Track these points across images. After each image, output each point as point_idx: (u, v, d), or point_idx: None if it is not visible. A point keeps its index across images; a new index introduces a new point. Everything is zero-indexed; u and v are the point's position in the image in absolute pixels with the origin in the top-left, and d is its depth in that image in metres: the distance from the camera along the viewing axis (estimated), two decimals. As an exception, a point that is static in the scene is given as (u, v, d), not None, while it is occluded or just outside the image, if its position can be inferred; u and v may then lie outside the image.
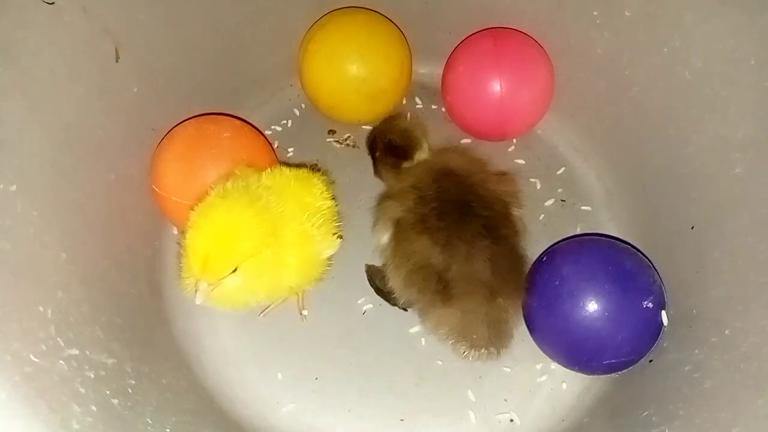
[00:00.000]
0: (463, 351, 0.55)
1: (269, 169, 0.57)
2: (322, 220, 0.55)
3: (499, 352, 0.55)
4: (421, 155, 0.63)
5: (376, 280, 0.63)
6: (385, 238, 0.58)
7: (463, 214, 0.55)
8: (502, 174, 0.63)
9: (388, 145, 0.64)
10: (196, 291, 0.50)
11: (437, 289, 0.54)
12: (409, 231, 0.55)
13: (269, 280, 0.52)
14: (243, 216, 0.50)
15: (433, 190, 0.57)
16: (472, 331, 0.54)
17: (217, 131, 0.61)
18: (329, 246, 0.56)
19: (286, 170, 0.57)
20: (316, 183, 0.58)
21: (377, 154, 0.65)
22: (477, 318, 0.53)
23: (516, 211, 0.59)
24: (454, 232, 0.54)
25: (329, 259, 0.57)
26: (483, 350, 0.54)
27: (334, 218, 0.57)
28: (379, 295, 0.62)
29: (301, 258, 0.54)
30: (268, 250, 0.50)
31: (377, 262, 0.62)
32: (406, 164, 0.63)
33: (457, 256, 0.54)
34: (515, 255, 0.57)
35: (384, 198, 0.61)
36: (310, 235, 0.54)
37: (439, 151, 0.64)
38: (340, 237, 0.57)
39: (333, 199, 0.59)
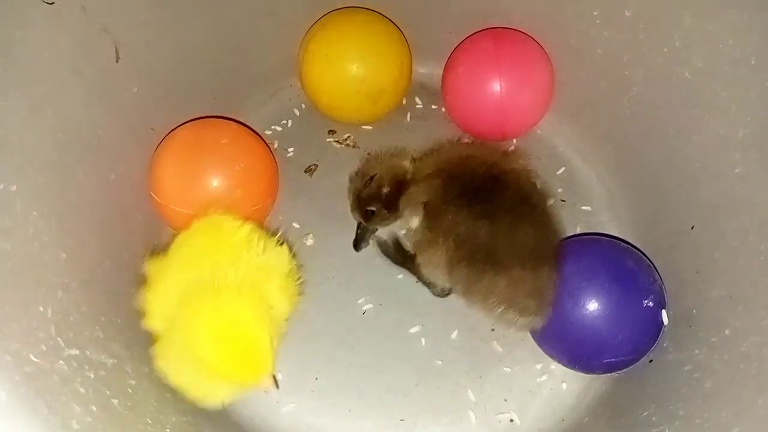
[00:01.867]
0: (512, 319, 0.54)
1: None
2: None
3: (541, 321, 0.54)
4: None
5: (389, 252, 0.63)
6: (415, 221, 0.57)
7: (495, 188, 0.55)
8: (514, 153, 0.63)
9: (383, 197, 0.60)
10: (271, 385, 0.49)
11: (485, 259, 0.53)
12: (444, 209, 0.55)
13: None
14: (250, 315, 0.49)
15: (457, 170, 0.56)
16: (521, 299, 0.53)
17: (214, 137, 0.60)
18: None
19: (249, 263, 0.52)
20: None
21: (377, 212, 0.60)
22: (525, 286, 0.53)
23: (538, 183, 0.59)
24: (494, 203, 0.54)
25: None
26: (531, 317, 0.54)
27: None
28: (402, 266, 0.62)
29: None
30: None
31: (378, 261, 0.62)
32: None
33: (500, 225, 0.53)
34: (552, 223, 0.57)
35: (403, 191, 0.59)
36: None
37: (443, 145, 0.63)
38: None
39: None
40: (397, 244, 0.64)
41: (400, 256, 0.64)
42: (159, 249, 0.54)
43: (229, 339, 0.47)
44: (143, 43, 0.60)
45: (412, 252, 0.60)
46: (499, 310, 0.54)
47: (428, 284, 0.62)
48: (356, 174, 0.61)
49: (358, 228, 0.63)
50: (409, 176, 0.59)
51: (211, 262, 0.50)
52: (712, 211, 0.55)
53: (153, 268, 0.52)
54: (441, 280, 0.59)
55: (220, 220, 0.54)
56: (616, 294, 0.52)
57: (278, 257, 0.54)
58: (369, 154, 0.63)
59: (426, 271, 0.59)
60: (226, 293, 0.48)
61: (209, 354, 0.47)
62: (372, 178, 0.59)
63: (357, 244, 0.63)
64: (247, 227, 0.54)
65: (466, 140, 0.72)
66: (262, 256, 0.52)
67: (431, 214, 0.56)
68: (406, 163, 0.60)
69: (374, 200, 0.59)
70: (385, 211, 0.59)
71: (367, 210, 0.60)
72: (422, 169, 0.59)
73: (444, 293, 0.62)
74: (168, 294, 0.50)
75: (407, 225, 0.59)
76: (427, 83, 0.77)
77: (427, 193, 0.56)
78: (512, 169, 0.57)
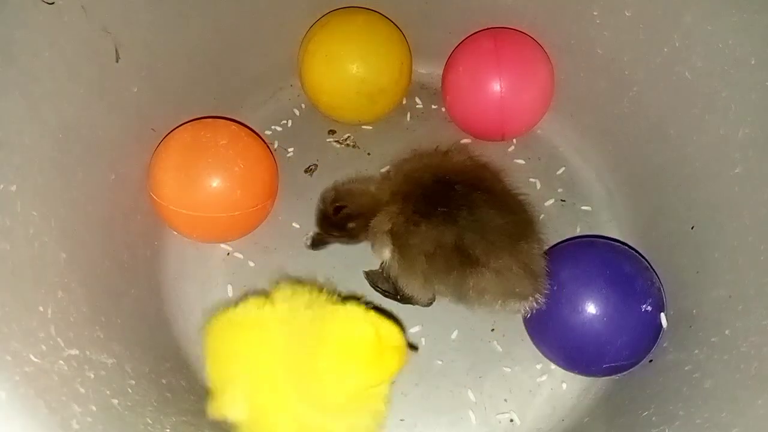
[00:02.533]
0: (516, 307, 0.54)
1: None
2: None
3: (543, 294, 0.54)
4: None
5: (379, 282, 0.63)
6: (387, 252, 0.57)
7: (446, 187, 0.55)
8: (453, 151, 0.61)
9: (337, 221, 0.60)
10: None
11: (460, 261, 0.53)
12: (407, 230, 0.55)
13: None
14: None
15: (408, 184, 0.56)
16: (514, 286, 0.53)
17: (213, 138, 0.60)
18: None
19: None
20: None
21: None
22: (512, 272, 0.52)
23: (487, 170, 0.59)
24: (447, 204, 0.53)
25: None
26: (531, 298, 0.53)
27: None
28: (387, 296, 0.62)
29: None
30: None
31: (374, 266, 0.62)
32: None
33: (462, 221, 0.53)
34: (511, 197, 0.56)
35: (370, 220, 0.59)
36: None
37: (395, 167, 0.62)
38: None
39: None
40: (387, 273, 0.61)
41: (389, 286, 0.62)
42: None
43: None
44: (143, 43, 0.60)
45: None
46: (499, 303, 0.54)
47: (414, 302, 0.61)
48: (326, 198, 0.61)
49: (318, 234, 0.63)
50: (376, 204, 0.58)
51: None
52: (712, 211, 0.55)
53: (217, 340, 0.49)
54: (425, 296, 0.59)
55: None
56: (614, 299, 0.52)
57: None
58: (335, 182, 0.63)
59: (410, 293, 0.58)
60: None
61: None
62: (340, 208, 0.59)
63: (314, 246, 0.64)
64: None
65: (465, 141, 0.72)
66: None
67: (398, 241, 0.55)
68: (372, 189, 0.60)
69: (339, 229, 0.60)
70: (346, 239, 0.61)
71: (331, 234, 0.62)
72: (381, 196, 0.59)
73: (429, 303, 0.61)
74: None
75: (381, 257, 0.58)
76: (427, 83, 0.77)
77: (388, 221, 0.56)
78: (454, 164, 0.57)
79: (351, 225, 0.59)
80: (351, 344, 0.45)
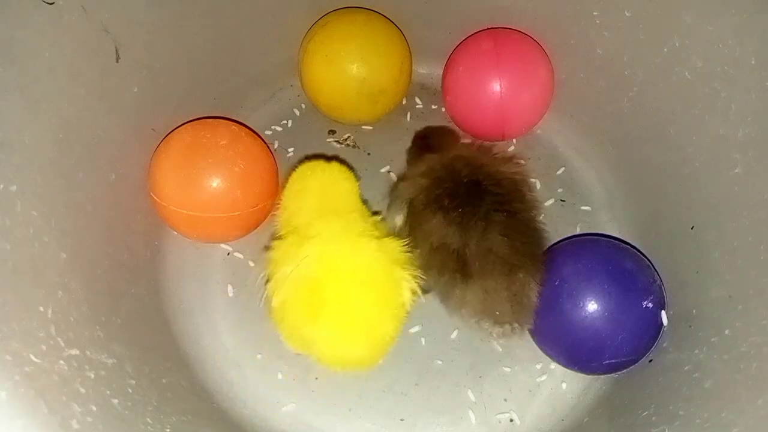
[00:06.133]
0: (487, 328, 0.54)
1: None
2: None
3: (522, 327, 0.54)
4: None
5: None
6: (399, 219, 0.58)
7: (475, 193, 0.55)
8: (509, 158, 0.63)
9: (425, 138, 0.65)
10: None
11: (456, 268, 0.53)
12: (424, 211, 0.55)
13: None
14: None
15: (444, 171, 0.57)
16: (495, 308, 0.53)
17: (213, 139, 0.60)
18: None
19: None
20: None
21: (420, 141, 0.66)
22: (498, 294, 0.53)
23: (527, 190, 0.59)
24: (467, 210, 0.54)
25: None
26: (507, 326, 0.54)
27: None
28: None
29: None
30: None
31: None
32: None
33: (473, 233, 0.53)
34: (531, 228, 0.56)
35: (397, 181, 0.61)
36: None
37: (453, 145, 0.64)
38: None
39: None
40: None
41: None
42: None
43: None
44: (143, 43, 0.60)
45: None
46: (474, 320, 0.54)
47: None
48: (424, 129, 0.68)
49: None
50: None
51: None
52: (712, 211, 0.55)
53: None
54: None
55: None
56: (615, 295, 0.52)
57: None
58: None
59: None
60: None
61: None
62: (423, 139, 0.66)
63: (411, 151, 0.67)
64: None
65: (465, 141, 0.72)
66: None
67: (412, 215, 0.56)
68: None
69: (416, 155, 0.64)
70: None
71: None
72: (418, 165, 0.59)
73: (425, 291, 0.61)
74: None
75: (392, 221, 0.59)
76: (427, 83, 0.77)
77: (412, 192, 0.57)
78: (497, 172, 0.57)
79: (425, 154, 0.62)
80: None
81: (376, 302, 0.50)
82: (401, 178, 0.61)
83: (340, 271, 0.50)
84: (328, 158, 0.61)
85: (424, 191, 0.56)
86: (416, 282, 0.52)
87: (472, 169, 0.56)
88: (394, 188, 0.61)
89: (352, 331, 0.50)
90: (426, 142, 0.64)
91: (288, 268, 0.49)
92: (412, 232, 0.56)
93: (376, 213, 0.59)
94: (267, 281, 0.51)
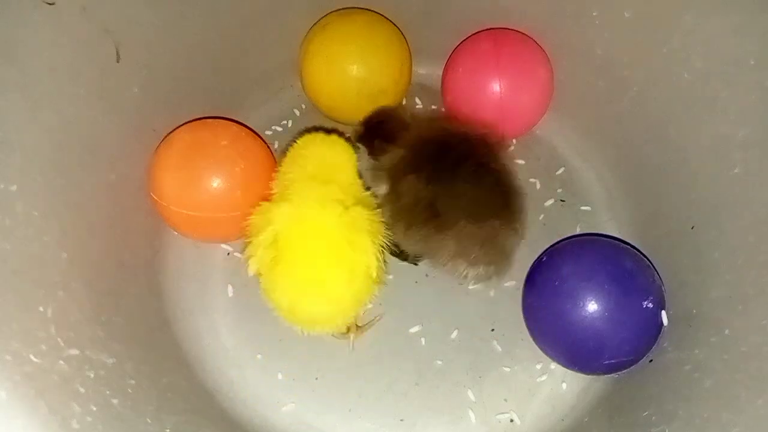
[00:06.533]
0: (462, 271, 0.56)
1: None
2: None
3: (498, 272, 0.57)
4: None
5: None
6: (382, 188, 0.60)
7: (444, 149, 0.57)
8: (480, 125, 0.63)
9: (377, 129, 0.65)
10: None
11: (428, 218, 0.55)
12: (402, 176, 0.57)
13: None
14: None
15: (417, 140, 0.59)
16: (469, 252, 0.55)
17: (214, 139, 0.60)
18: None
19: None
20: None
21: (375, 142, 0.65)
22: (471, 240, 0.55)
23: (497, 148, 0.60)
24: (437, 165, 0.56)
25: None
26: (480, 268, 0.56)
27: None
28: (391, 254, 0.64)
29: None
30: None
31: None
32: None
33: (442, 183, 0.55)
34: (502, 177, 0.58)
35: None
36: None
37: (423, 119, 0.65)
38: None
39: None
40: None
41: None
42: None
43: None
44: (143, 43, 0.60)
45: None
46: (448, 264, 0.56)
47: (403, 256, 0.64)
48: (374, 112, 0.67)
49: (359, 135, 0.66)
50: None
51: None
52: (712, 211, 0.55)
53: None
54: (409, 246, 0.60)
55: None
56: (615, 295, 0.52)
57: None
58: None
59: (397, 240, 0.59)
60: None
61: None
62: (373, 124, 0.65)
63: (358, 140, 0.66)
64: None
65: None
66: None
67: (392, 182, 0.58)
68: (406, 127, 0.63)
69: (367, 140, 0.65)
70: (369, 151, 0.64)
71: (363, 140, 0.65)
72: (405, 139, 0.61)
73: (415, 260, 0.64)
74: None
75: (378, 192, 0.60)
76: (427, 83, 0.77)
77: (389, 161, 0.59)
78: (466, 132, 0.59)
79: (377, 142, 0.63)
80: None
81: (332, 262, 0.52)
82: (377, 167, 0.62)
83: (301, 230, 0.52)
84: (329, 131, 0.64)
85: (401, 159, 0.58)
86: (382, 250, 0.54)
87: (442, 133, 0.59)
88: (376, 163, 0.63)
89: (306, 287, 0.52)
90: (379, 134, 0.64)
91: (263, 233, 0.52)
92: (393, 197, 0.58)
93: (369, 188, 0.60)
94: (247, 245, 0.54)
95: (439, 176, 0.56)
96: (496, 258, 0.56)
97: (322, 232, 0.52)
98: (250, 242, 0.53)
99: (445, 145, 0.57)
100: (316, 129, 0.66)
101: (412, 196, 0.56)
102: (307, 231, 0.52)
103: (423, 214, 0.55)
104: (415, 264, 0.64)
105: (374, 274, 0.53)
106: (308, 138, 0.60)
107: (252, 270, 0.53)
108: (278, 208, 0.53)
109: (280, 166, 0.58)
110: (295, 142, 0.59)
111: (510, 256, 0.58)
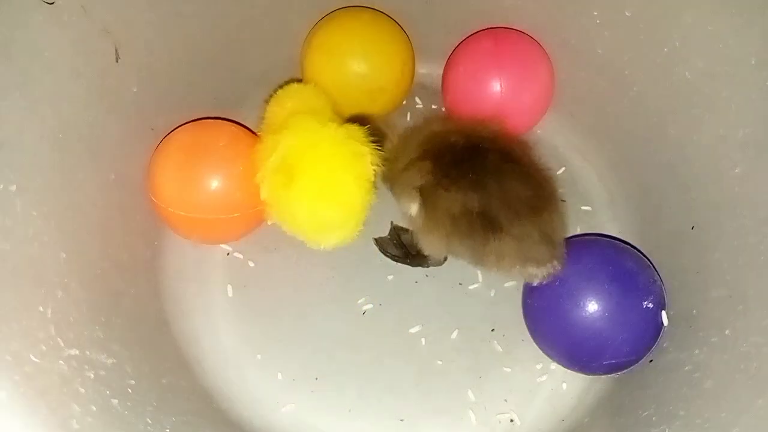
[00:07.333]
0: (532, 272, 0.55)
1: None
2: None
3: (560, 264, 0.55)
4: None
5: (388, 248, 0.65)
6: (414, 208, 0.58)
7: (477, 153, 0.56)
8: (482, 120, 0.63)
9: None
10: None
11: (484, 225, 0.54)
12: (436, 192, 0.56)
13: None
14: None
15: (438, 149, 0.57)
16: (532, 252, 0.54)
17: (213, 140, 0.60)
18: None
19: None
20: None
21: None
22: (532, 239, 0.54)
23: (517, 140, 0.60)
24: (476, 171, 0.55)
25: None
26: (548, 264, 0.54)
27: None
28: (396, 261, 0.64)
29: None
30: None
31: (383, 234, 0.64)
32: None
33: (490, 188, 0.54)
34: (539, 170, 0.57)
35: (397, 172, 0.61)
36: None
37: (419, 126, 0.64)
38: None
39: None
40: (397, 238, 0.65)
41: (400, 251, 0.64)
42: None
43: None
44: (143, 43, 0.60)
45: (411, 245, 0.62)
46: (517, 267, 0.55)
47: (427, 264, 0.63)
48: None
49: None
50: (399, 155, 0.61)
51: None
52: (712, 211, 0.55)
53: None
54: (441, 255, 0.61)
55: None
56: (615, 295, 0.52)
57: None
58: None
59: (428, 252, 0.60)
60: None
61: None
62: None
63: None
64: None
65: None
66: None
67: (426, 199, 0.57)
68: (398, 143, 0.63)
69: None
70: None
71: None
72: (407, 153, 0.60)
73: (441, 263, 0.63)
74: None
75: (407, 211, 0.59)
76: (427, 83, 0.77)
77: (420, 178, 0.57)
78: (486, 132, 0.58)
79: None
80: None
81: (340, 170, 0.56)
82: (401, 170, 0.60)
83: (308, 145, 0.57)
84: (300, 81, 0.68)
85: (429, 173, 0.56)
86: (376, 155, 0.58)
87: (464, 135, 0.58)
88: (392, 182, 0.61)
89: (321, 194, 0.56)
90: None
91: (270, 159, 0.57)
92: (429, 214, 0.57)
93: (350, 120, 0.61)
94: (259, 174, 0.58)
95: (484, 181, 0.54)
96: (557, 251, 0.55)
97: (326, 144, 0.56)
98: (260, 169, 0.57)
99: (476, 149, 0.56)
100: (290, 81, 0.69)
101: (458, 208, 0.54)
102: (313, 145, 0.56)
103: (477, 223, 0.54)
104: (440, 264, 0.63)
105: (373, 179, 0.58)
106: (283, 90, 0.64)
107: (264, 194, 0.57)
108: (280, 136, 0.57)
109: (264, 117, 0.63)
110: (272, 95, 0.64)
111: (564, 245, 0.56)
